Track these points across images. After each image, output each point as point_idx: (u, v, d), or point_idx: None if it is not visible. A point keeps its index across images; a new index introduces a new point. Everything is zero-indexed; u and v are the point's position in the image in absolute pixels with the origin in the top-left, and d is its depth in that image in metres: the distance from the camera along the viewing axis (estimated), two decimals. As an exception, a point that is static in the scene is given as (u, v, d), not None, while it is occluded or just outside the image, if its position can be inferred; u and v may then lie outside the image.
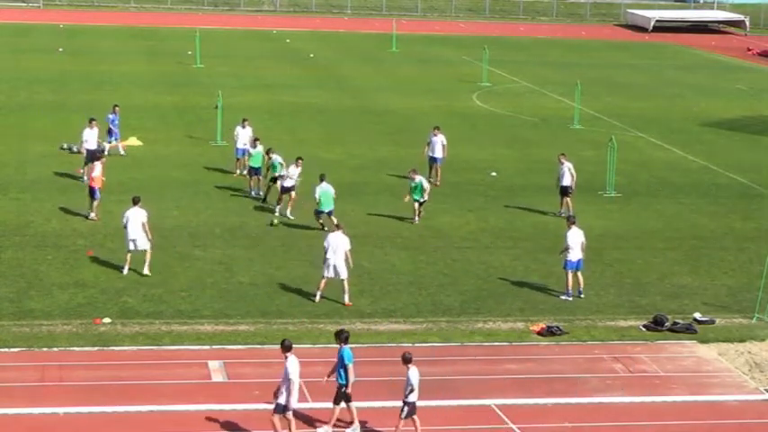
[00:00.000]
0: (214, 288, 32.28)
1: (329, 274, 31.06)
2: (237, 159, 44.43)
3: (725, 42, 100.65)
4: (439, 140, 44.05)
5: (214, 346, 28.10)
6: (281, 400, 22.91)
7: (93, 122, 43.41)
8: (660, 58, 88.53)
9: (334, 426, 23.95)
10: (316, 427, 24.00)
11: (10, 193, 41.10)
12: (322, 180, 37.24)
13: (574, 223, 32.95)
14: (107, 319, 29.50)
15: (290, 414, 22.98)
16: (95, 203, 38.00)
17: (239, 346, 28.12)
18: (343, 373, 23.66)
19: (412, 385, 23.10)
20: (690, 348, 29.59)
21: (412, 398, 23.17)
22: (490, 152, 43.66)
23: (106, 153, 46.21)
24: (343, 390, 23.70)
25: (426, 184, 39.16)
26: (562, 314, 31.34)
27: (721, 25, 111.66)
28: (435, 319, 30.75)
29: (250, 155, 42.63)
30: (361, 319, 30.40)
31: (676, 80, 76.54)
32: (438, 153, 44.17)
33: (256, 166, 41.75)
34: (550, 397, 26.17)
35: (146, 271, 32.66)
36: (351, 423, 24.01)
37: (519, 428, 24.63)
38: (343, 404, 23.88)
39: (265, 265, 34.22)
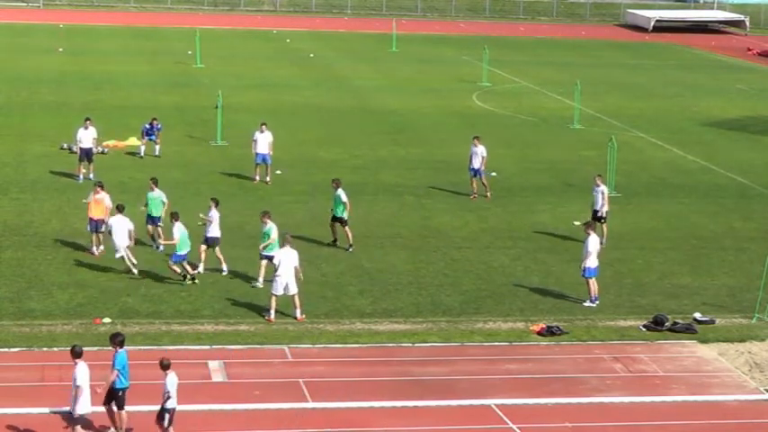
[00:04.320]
0: (214, 288, 32.27)
1: (279, 291, 29.99)
2: (257, 165, 44.02)
3: (725, 42, 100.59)
4: (479, 151, 42.25)
5: (214, 346, 28.09)
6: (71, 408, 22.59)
7: (88, 122, 43.26)
8: (660, 58, 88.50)
9: (127, 430, 23.47)
10: None
11: (10, 193, 41.08)
12: (173, 218, 32.64)
13: (594, 230, 32.59)
14: (107, 319, 29.49)
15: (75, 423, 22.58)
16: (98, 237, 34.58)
17: (239, 346, 28.11)
18: (122, 378, 23.23)
19: (169, 392, 22.68)
20: (690, 348, 29.57)
21: (170, 404, 22.74)
22: (490, 152, 43.60)
23: (142, 155, 46.40)
24: (121, 393, 23.24)
25: None
26: (562, 314, 31.31)
27: (721, 25, 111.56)
28: (435, 319, 30.73)
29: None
30: (361, 319, 30.39)
31: (676, 80, 76.50)
32: (476, 164, 42.37)
33: (155, 215, 35.00)
34: (550, 397, 26.16)
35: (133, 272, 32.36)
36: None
37: (519, 428, 24.62)
38: (127, 408, 23.37)
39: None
